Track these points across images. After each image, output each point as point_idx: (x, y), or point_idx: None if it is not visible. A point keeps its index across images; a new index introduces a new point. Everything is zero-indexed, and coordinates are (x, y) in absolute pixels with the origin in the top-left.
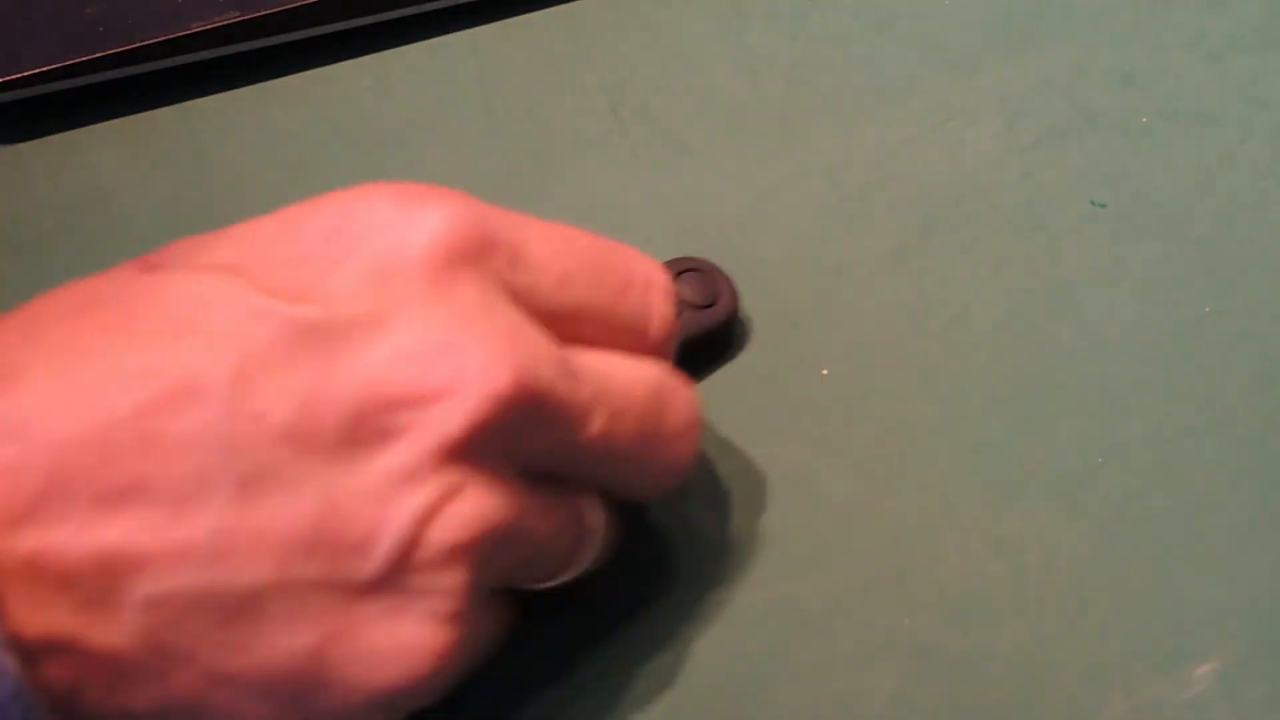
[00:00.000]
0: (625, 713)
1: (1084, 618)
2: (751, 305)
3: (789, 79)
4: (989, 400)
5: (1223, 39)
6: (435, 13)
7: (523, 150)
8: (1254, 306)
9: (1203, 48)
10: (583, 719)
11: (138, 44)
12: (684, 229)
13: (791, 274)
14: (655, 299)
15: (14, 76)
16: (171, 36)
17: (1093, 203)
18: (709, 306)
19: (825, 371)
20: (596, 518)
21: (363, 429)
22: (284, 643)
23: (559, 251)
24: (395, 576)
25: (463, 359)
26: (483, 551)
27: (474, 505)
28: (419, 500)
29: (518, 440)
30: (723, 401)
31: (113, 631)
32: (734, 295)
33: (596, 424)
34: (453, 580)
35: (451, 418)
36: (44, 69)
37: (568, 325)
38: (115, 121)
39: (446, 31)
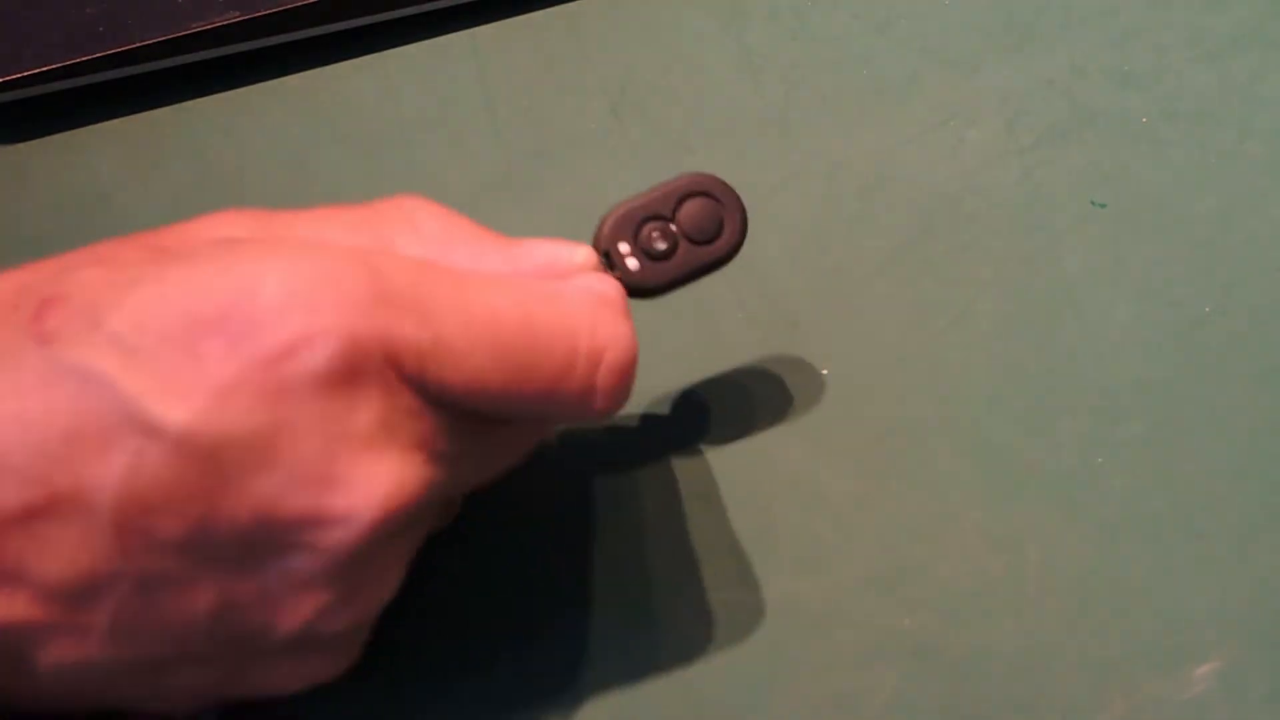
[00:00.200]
0: (625, 712)
1: (1084, 618)
2: (752, 305)
3: (789, 79)
4: (989, 400)
5: (1223, 39)
6: (435, 13)
7: (522, 150)
8: (1254, 306)
9: (1203, 48)
10: (583, 718)
11: (138, 44)
12: None
13: (791, 274)
14: (602, 377)
15: (14, 76)
16: (171, 36)
17: (1093, 203)
18: (711, 241)
19: (825, 371)
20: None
21: (258, 545)
22: (189, 682)
23: (481, 342)
24: (297, 643)
25: (352, 490)
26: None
27: (371, 593)
28: (316, 601)
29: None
30: (723, 401)
31: (25, 690)
32: (739, 229)
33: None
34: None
35: (344, 538)
36: (44, 69)
37: (499, 405)
38: (115, 121)
39: (446, 31)
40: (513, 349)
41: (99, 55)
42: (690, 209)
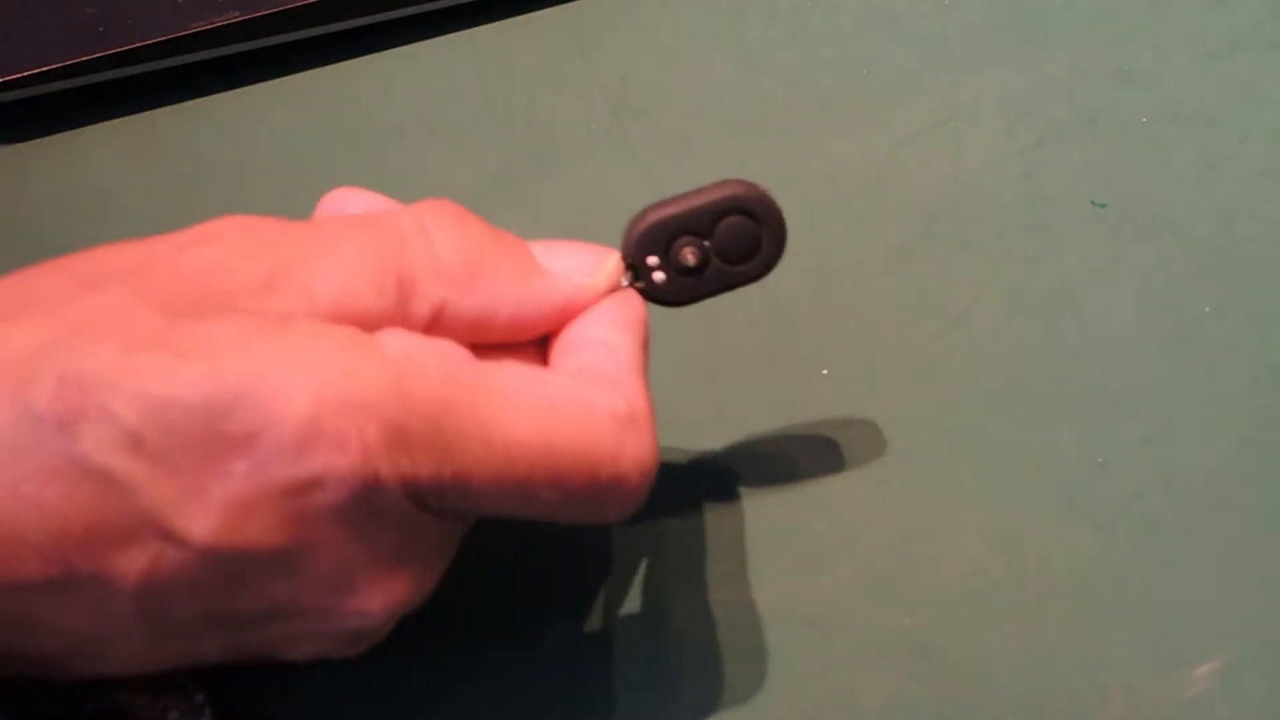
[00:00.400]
0: (626, 712)
1: (1084, 617)
2: (752, 305)
3: (789, 79)
4: (989, 400)
5: (1223, 39)
6: (435, 13)
7: (522, 149)
8: (1254, 306)
9: (1203, 48)
10: (583, 718)
11: (138, 44)
12: None
13: (791, 274)
14: (618, 502)
15: (14, 76)
16: (171, 36)
17: (1093, 203)
18: (744, 261)
19: (825, 371)
20: None
21: (271, 620)
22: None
23: (501, 477)
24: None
25: (367, 600)
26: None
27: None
28: (329, 643)
29: None
30: (723, 402)
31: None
32: (776, 250)
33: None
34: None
35: (355, 626)
36: (44, 69)
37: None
38: (115, 121)
39: (446, 31)
40: (530, 483)
41: (99, 55)
42: (728, 226)
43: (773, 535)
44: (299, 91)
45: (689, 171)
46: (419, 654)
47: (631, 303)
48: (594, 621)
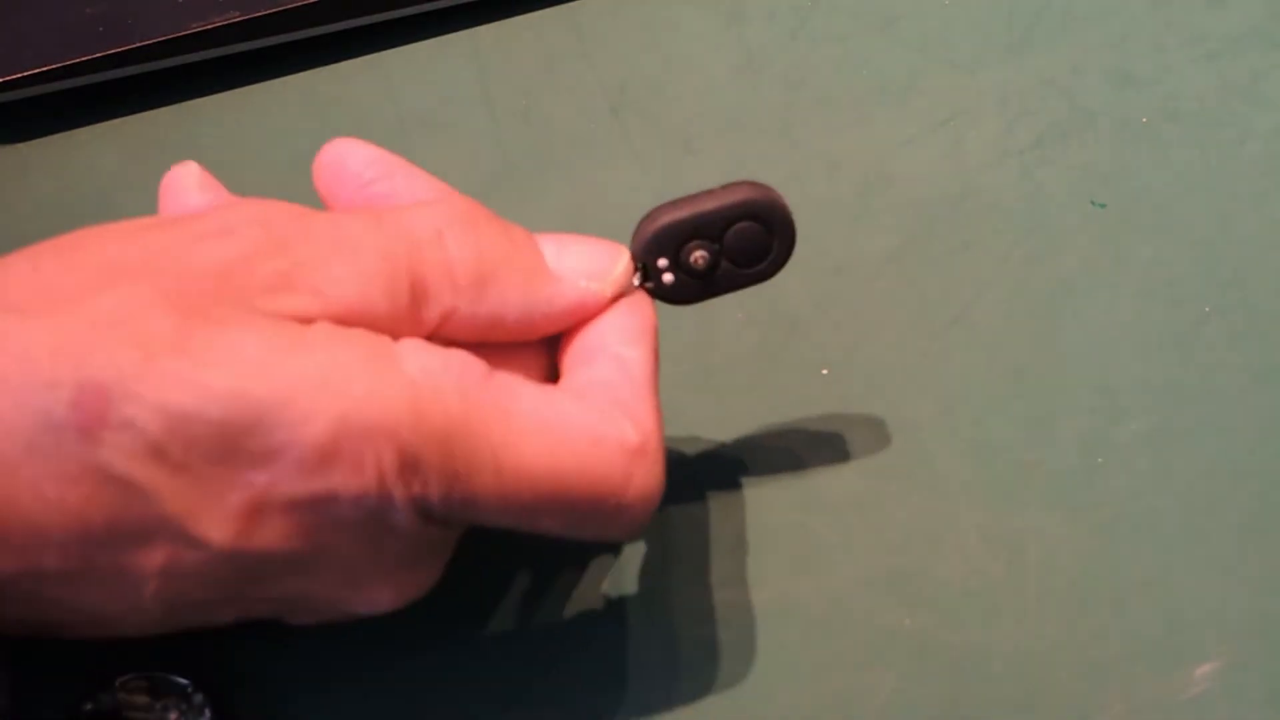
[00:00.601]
0: (625, 712)
1: (1084, 618)
2: (751, 305)
3: (789, 79)
4: (989, 400)
5: (1223, 39)
6: (435, 13)
7: (522, 149)
8: (1254, 306)
9: (1203, 48)
10: (582, 717)
11: (138, 44)
12: None
13: (791, 274)
14: (622, 527)
15: (14, 76)
16: (171, 36)
17: (1093, 203)
18: (753, 264)
19: (825, 372)
20: None
21: (283, 602)
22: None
23: (509, 502)
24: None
25: (377, 596)
26: None
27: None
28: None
29: None
30: (723, 402)
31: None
32: (785, 254)
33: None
34: None
35: (368, 611)
36: (44, 69)
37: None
38: (115, 121)
39: (446, 31)
40: (536, 508)
41: (99, 55)
42: (739, 231)
43: (773, 535)
44: (299, 91)
45: (689, 171)
46: (418, 654)
47: (643, 310)
48: (593, 620)
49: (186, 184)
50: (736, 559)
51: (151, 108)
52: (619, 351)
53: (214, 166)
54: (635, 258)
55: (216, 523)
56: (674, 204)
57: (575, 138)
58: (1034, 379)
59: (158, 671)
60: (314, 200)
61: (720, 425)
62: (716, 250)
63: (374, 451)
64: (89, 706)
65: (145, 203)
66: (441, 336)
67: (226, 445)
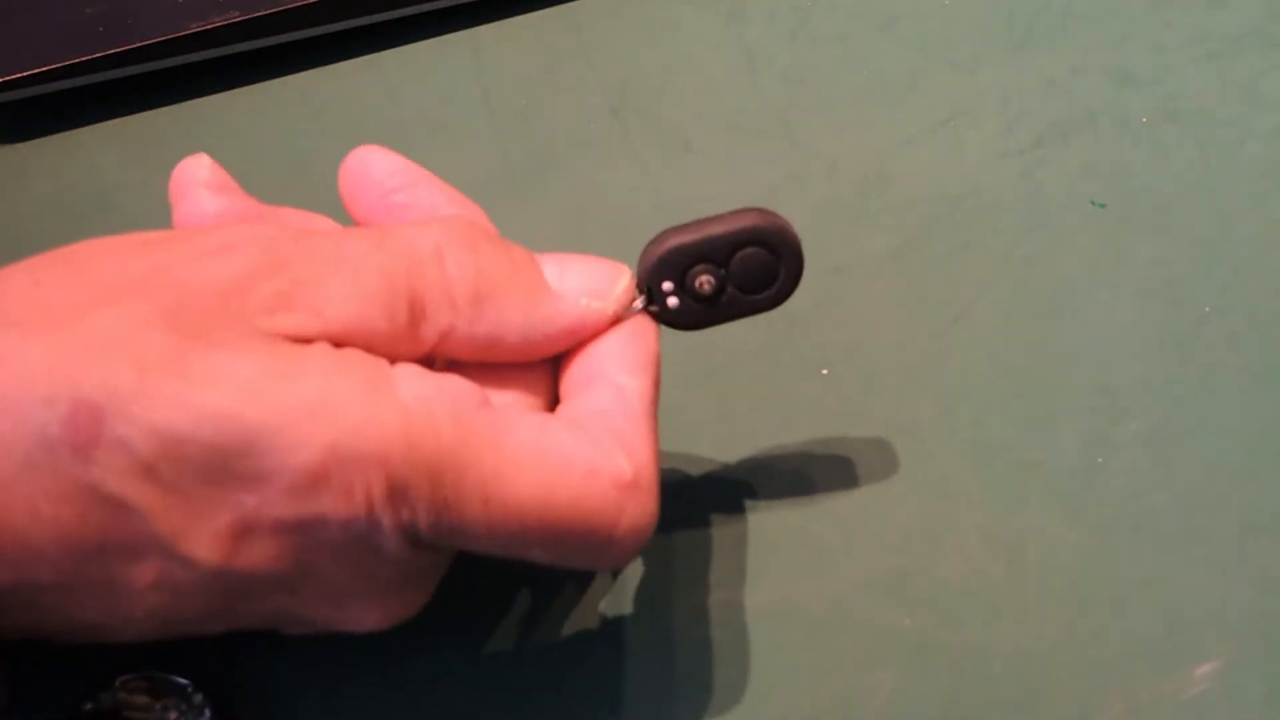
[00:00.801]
0: (626, 712)
1: (1084, 618)
2: None
3: (789, 79)
4: (989, 400)
5: (1223, 39)
6: (435, 13)
7: (522, 150)
8: (1254, 306)
9: (1203, 48)
10: (582, 718)
11: (138, 44)
12: None
13: None
14: (613, 559)
15: (14, 76)
16: (171, 36)
17: (1093, 203)
18: (759, 291)
19: (825, 372)
20: None
21: (273, 618)
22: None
23: (496, 532)
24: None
25: (365, 618)
26: None
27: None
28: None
29: None
30: (723, 402)
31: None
32: (792, 282)
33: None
34: None
35: (357, 629)
36: (44, 69)
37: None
38: (115, 121)
39: (446, 31)
40: (525, 539)
41: (99, 55)
42: (745, 257)
43: (773, 535)
44: (299, 91)
45: (689, 171)
46: (419, 654)
47: (645, 337)
48: (594, 621)
49: (198, 183)
50: (737, 560)
51: (151, 108)
52: (618, 380)
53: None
54: (640, 280)
55: (205, 543)
56: (681, 228)
57: (575, 138)
58: (1034, 379)
59: (158, 671)
60: (314, 200)
61: (720, 425)
62: (722, 276)
63: (364, 479)
64: (89, 706)
65: (145, 203)
66: (441, 356)
67: (217, 467)
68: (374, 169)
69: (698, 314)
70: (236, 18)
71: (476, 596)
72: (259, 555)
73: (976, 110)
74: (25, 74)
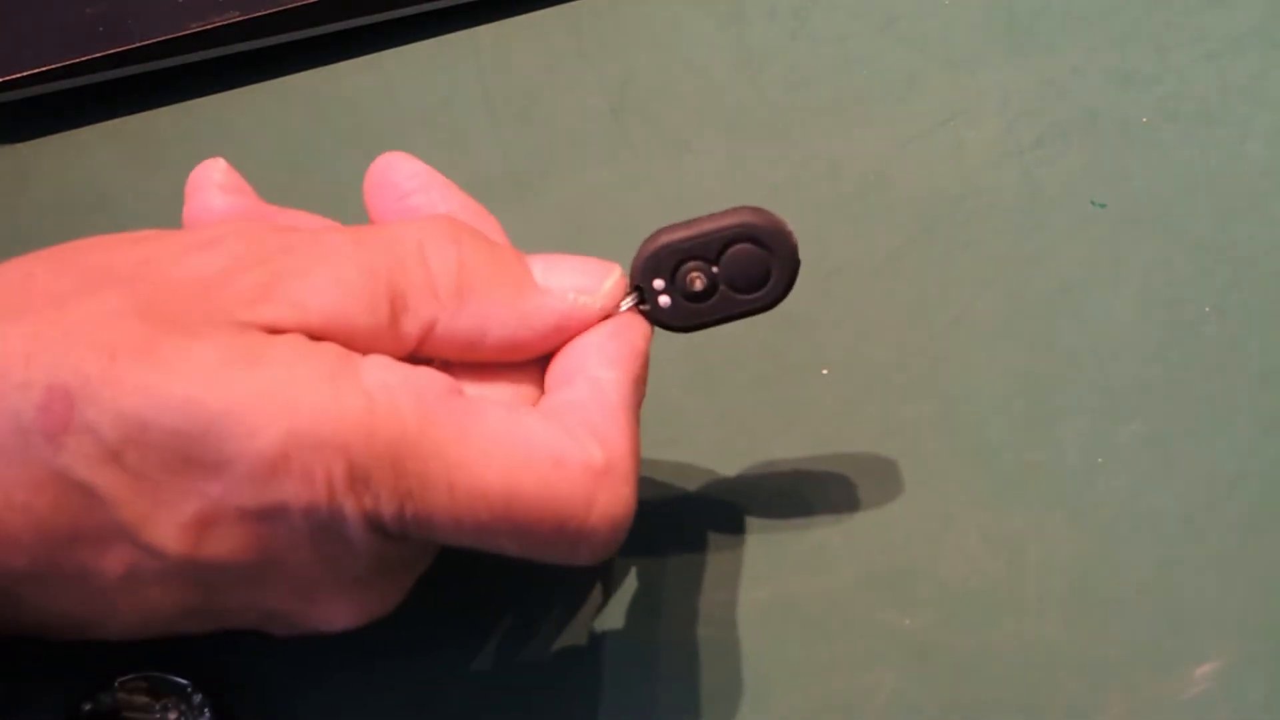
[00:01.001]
0: (625, 712)
1: (1084, 618)
2: None
3: (789, 79)
4: (989, 400)
5: (1223, 39)
6: (435, 13)
7: (523, 150)
8: (1254, 306)
9: (1203, 48)
10: (582, 718)
11: (138, 44)
12: None
13: None
14: (589, 551)
15: (14, 76)
16: (171, 36)
17: (1093, 203)
18: (752, 290)
19: (825, 372)
20: None
21: (247, 614)
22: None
23: (463, 520)
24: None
25: (333, 614)
26: None
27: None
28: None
29: None
30: (723, 402)
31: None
32: (786, 281)
33: None
34: None
35: (327, 629)
36: (44, 69)
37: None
38: (115, 121)
39: (446, 31)
40: (492, 528)
41: (99, 55)
42: (736, 254)
43: (773, 535)
44: (299, 91)
45: (689, 171)
46: (419, 654)
47: (631, 332)
48: (593, 621)
49: (211, 183)
50: (736, 559)
51: (151, 108)
52: (596, 373)
53: None
54: (631, 278)
55: (170, 532)
56: (674, 225)
57: (575, 138)
58: (1034, 379)
59: (157, 671)
60: (314, 200)
61: (720, 425)
62: (714, 273)
63: (324, 464)
64: (89, 706)
65: (145, 203)
66: (428, 355)
67: (180, 454)
68: (394, 173)
69: (690, 313)
70: (236, 18)
71: (476, 596)
72: (224, 545)
73: (976, 110)
74: (25, 74)
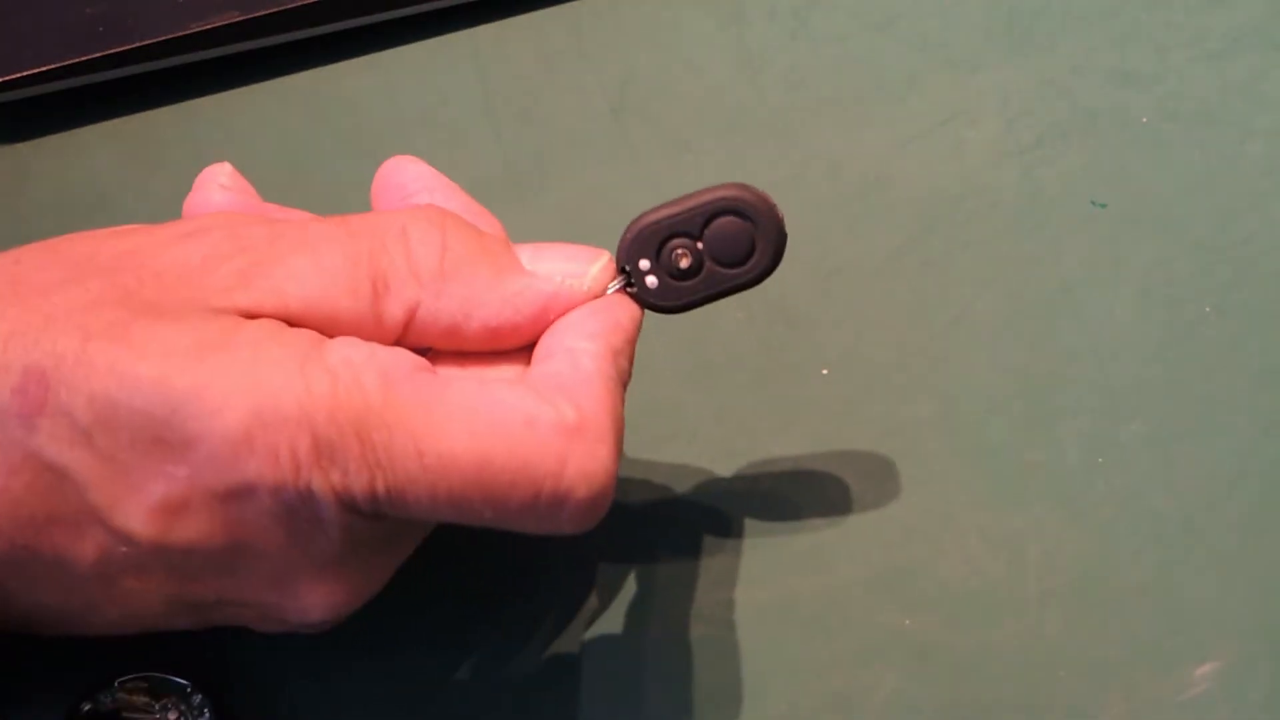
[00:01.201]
0: (625, 711)
1: (1084, 618)
2: (752, 305)
3: (789, 79)
4: (989, 400)
5: (1223, 39)
6: (435, 13)
7: (522, 150)
8: (1254, 306)
9: (1203, 48)
10: (583, 718)
11: (138, 44)
12: None
13: (791, 274)
14: (569, 514)
15: (14, 76)
16: (171, 36)
17: (1093, 203)
18: (739, 264)
19: (825, 372)
20: None
21: (224, 606)
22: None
23: (435, 488)
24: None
25: (307, 601)
26: None
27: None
28: (290, 623)
29: None
30: (723, 402)
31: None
32: (772, 253)
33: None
34: None
35: (301, 622)
36: (44, 69)
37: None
38: (115, 121)
39: (446, 31)
40: (466, 495)
41: (99, 55)
42: (719, 228)
43: (772, 535)
44: (299, 91)
45: (689, 171)
46: (419, 654)
47: (611, 309)
48: (594, 621)
49: (213, 182)
50: (736, 559)
51: (151, 108)
52: (572, 345)
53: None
54: (617, 261)
55: (139, 515)
56: (658, 206)
57: (575, 138)
58: (1034, 379)
59: (157, 672)
60: (313, 200)
61: (720, 425)
62: (699, 249)
63: (288, 442)
64: (89, 706)
65: (145, 203)
66: (413, 343)
67: (148, 434)
68: (400, 175)
69: (678, 292)
70: (236, 18)
71: (476, 597)
72: (193, 529)
73: (976, 110)
74: (25, 74)
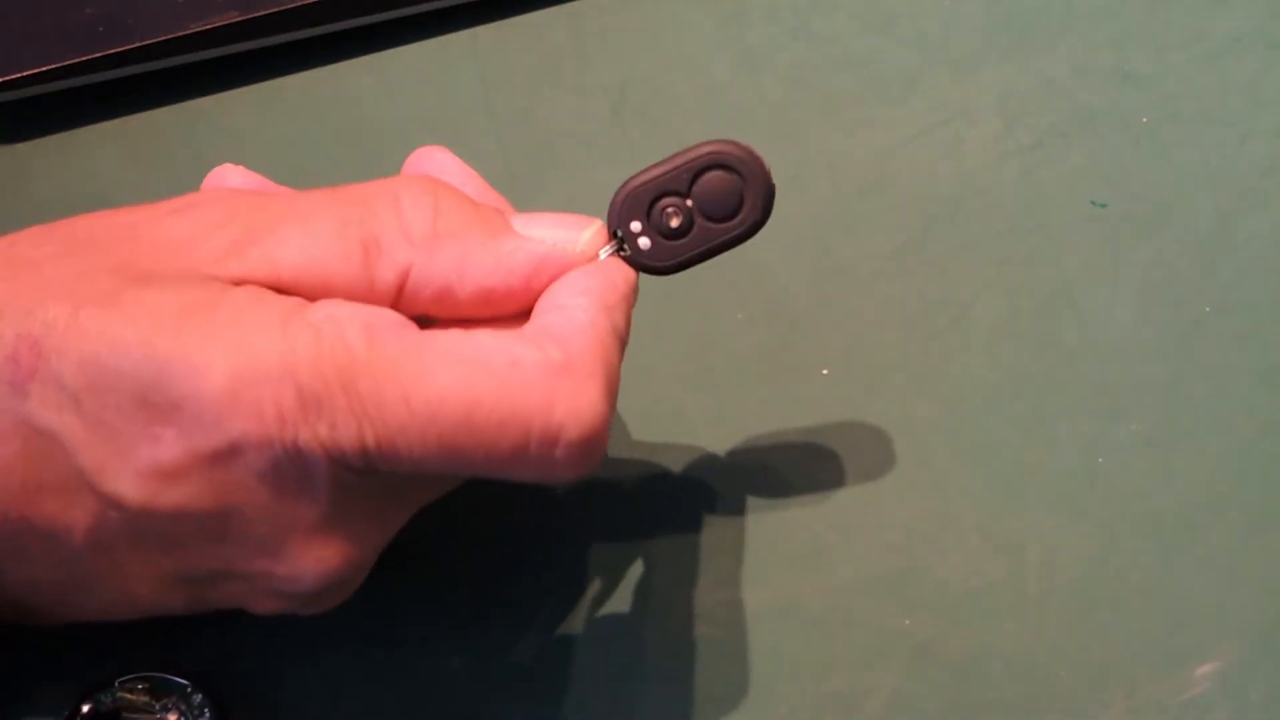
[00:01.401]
0: (625, 711)
1: (1084, 618)
2: (752, 305)
3: (789, 79)
4: (989, 400)
5: (1223, 39)
6: (435, 13)
7: (523, 150)
8: (1254, 306)
9: (1203, 48)
10: (583, 717)
11: (138, 44)
12: None
13: (791, 274)
14: (562, 453)
15: (14, 76)
16: (171, 36)
17: (1093, 203)
18: (729, 218)
19: (825, 372)
20: None
21: (217, 579)
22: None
23: (425, 435)
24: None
25: (300, 565)
26: None
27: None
28: (283, 601)
29: None
30: (722, 402)
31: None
32: (761, 205)
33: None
34: None
35: (294, 589)
36: (44, 69)
37: (455, 473)
38: (115, 121)
39: (446, 31)
40: (457, 440)
41: (99, 55)
42: (707, 184)
43: (773, 535)
44: (299, 91)
45: None
46: (419, 653)
47: (603, 269)
48: (594, 621)
49: (227, 173)
50: (736, 559)
51: (151, 108)
52: (564, 301)
53: (214, 166)
54: (609, 225)
55: (127, 480)
56: (644, 169)
57: (575, 138)
58: (1034, 379)
59: (157, 672)
60: None
61: (720, 425)
62: (688, 206)
63: (272, 398)
64: (89, 707)
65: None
66: (407, 310)
67: (135, 398)
68: (428, 163)
69: (671, 251)
70: (236, 18)
71: (476, 595)
72: (182, 493)
73: (976, 110)
74: (25, 74)
